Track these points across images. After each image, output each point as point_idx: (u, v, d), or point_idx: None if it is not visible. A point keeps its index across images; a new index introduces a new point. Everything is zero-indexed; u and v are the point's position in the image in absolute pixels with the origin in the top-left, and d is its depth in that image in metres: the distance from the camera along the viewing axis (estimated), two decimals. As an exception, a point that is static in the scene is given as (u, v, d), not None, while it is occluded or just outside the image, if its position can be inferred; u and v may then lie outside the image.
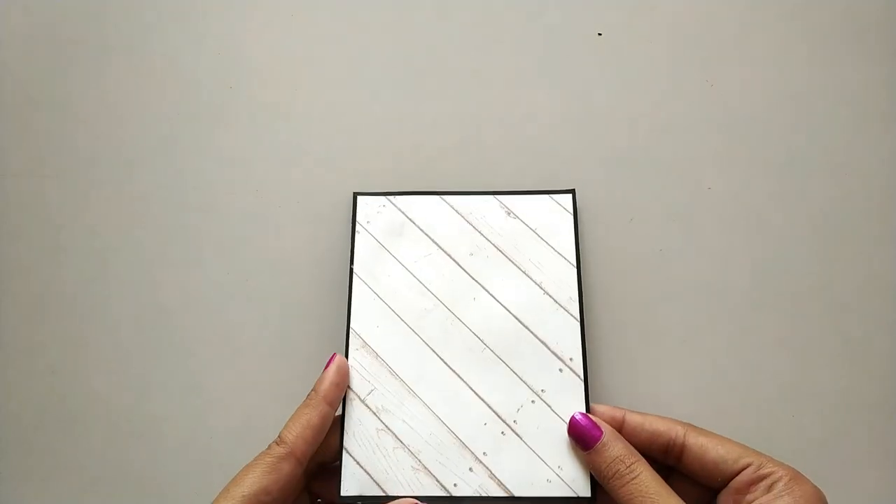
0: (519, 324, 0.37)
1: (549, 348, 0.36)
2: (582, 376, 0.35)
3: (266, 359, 0.41)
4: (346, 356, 0.36)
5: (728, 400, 0.39)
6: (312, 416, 0.33)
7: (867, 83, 0.42)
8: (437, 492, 0.34)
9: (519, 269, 0.38)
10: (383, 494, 0.34)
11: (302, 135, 0.43)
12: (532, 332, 0.37)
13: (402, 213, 0.39)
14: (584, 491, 0.33)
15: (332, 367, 0.35)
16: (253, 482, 0.31)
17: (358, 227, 0.39)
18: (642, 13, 0.44)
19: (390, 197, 0.40)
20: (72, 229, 0.43)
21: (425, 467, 0.34)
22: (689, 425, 0.33)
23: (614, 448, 0.32)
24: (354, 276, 0.38)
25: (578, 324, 0.36)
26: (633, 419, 0.34)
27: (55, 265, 0.43)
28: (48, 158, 0.44)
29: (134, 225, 0.43)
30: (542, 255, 0.38)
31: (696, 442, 0.32)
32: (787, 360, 0.39)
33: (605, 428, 0.33)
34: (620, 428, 0.33)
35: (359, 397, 0.36)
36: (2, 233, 0.43)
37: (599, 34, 0.44)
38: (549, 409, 0.35)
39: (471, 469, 0.34)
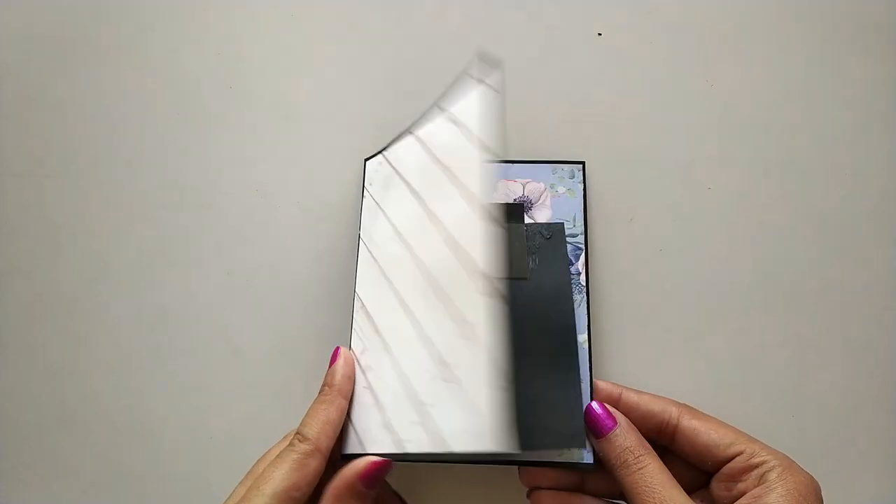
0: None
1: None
2: (586, 347, 0.35)
3: (266, 359, 0.41)
4: (352, 320, 0.37)
5: (728, 400, 0.39)
6: (331, 412, 0.33)
7: (867, 83, 0.42)
8: (392, 448, 0.32)
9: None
10: (363, 452, 0.32)
11: (302, 134, 0.43)
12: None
13: (392, 166, 0.39)
14: (588, 457, 0.33)
15: (341, 360, 0.35)
16: (282, 478, 0.30)
17: (365, 192, 0.39)
18: (642, 13, 0.44)
19: (384, 152, 0.40)
20: (72, 229, 0.43)
21: (390, 424, 0.33)
22: (685, 407, 0.33)
23: (626, 439, 0.32)
24: (360, 240, 0.38)
25: (584, 294, 0.36)
26: (630, 398, 0.34)
27: (55, 265, 0.43)
28: (48, 158, 0.44)
29: (134, 225, 0.43)
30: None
31: (688, 425, 0.32)
32: (787, 360, 0.39)
33: (621, 419, 0.33)
34: (616, 405, 0.34)
35: (355, 357, 0.35)
36: (2, 233, 0.43)
37: (599, 34, 0.44)
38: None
39: (414, 422, 0.32)
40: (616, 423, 0.32)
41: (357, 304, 0.37)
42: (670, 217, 0.41)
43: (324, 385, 0.34)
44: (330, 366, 0.35)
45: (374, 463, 0.31)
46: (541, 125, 0.43)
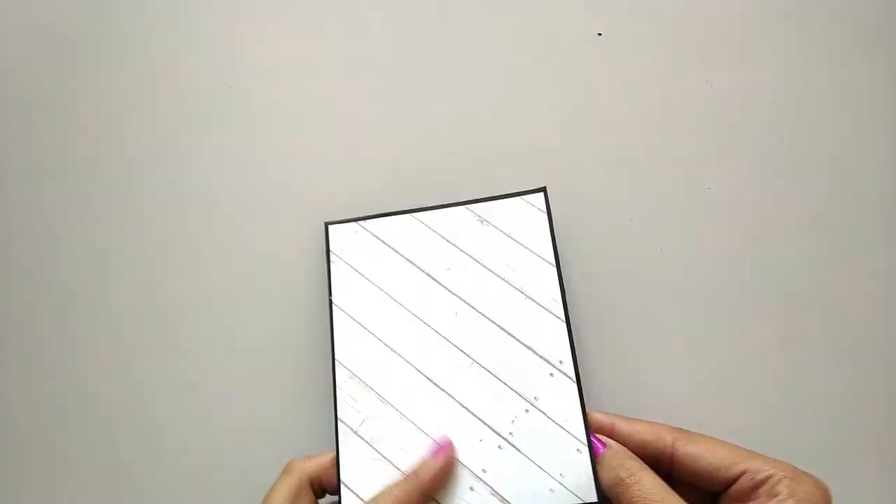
0: (503, 332, 0.36)
1: (536, 353, 0.35)
2: (574, 378, 0.35)
3: (266, 359, 0.41)
4: (334, 388, 0.36)
5: (728, 400, 0.39)
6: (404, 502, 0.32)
7: (867, 83, 0.42)
8: None
9: (497, 276, 0.37)
10: None
11: (302, 135, 0.43)
12: (518, 340, 0.36)
13: (375, 236, 0.39)
14: (590, 496, 0.33)
15: (441, 460, 0.34)
16: None
17: (333, 258, 0.39)
18: (642, 13, 0.44)
19: (361, 222, 0.39)
20: (72, 229, 0.43)
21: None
22: (680, 431, 0.32)
23: (616, 457, 0.32)
24: (334, 307, 0.38)
25: (564, 324, 0.36)
26: (622, 429, 0.33)
27: (55, 265, 0.43)
28: (48, 158, 0.44)
29: (134, 225, 0.43)
30: (520, 258, 0.37)
31: (685, 451, 0.31)
32: (787, 360, 0.39)
33: (611, 443, 0.33)
34: (610, 436, 0.33)
35: (351, 429, 0.35)
36: (2, 233, 0.43)
37: (599, 34, 0.44)
38: (544, 416, 0.34)
39: (472, 488, 0.34)
40: (605, 446, 0.33)
41: (342, 374, 0.36)
42: (670, 217, 0.41)
43: (412, 473, 0.33)
44: (431, 456, 0.34)
45: None
46: (541, 125, 0.43)
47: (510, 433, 0.34)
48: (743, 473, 0.30)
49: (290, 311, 0.41)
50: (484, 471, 0.34)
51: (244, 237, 0.42)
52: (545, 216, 0.38)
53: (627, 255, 0.41)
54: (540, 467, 0.34)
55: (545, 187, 0.39)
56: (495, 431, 0.35)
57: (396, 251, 0.39)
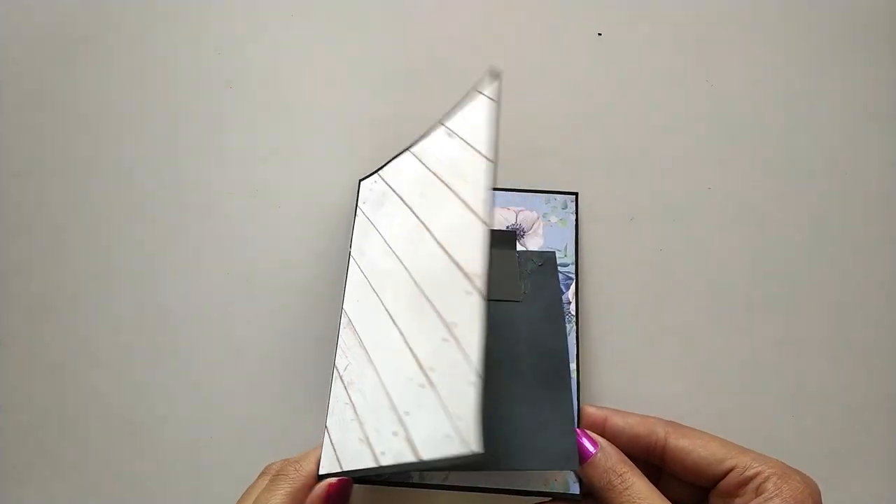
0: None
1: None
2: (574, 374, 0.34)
3: (266, 359, 0.41)
4: (338, 336, 0.36)
5: (728, 400, 0.39)
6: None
7: (867, 83, 0.42)
8: (370, 463, 0.30)
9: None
10: (341, 470, 0.31)
11: (302, 134, 0.43)
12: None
13: (387, 183, 0.39)
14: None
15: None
16: None
17: (358, 211, 0.40)
18: (642, 13, 0.44)
19: (380, 171, 0.40)
20: (72, 229, 0.43)
21: (367, 438, 0.31)
22: (672, 425, 0.32)
23: (608, 460, 0.31)
24: (350, 257, 0.38)
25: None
26: (615, 424, 0.33)
27: (56, 265, 0.43)
28: (48, 158, 0.44)
29: (134, 225, 0.43)
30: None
31: (677, 445, 0.32)
32: (787, 360, 0.39)
33: (602, 442, 0.32)
34: (602, 431, 0.33)
35: (339, 374, 0.35)
36: (2, 233, 0.43)
37: (599, 34, 0.44)
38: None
39: (395, 433, 0.30)
40: (597, 446, 0.32)
41: (343, 321, 0.37)
42: (670, 217, 0.41)
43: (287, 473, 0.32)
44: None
45: (332, 485, 0.31)
46: (541, 125, 0.43)
47: (431, 368, 0.30)
48: (732, 469, 0.30)
49: (289, 313, 0.41)
50: (406, 413, 0.30)
51: (244, 237, 0.42)
52: (572, 219, 0.38)
53: (627, 255, 0.41)
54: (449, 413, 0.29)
55: (577, 193, 0.39)
56: (422, 368, 0.30)
57: (398, 194, 0.38)
